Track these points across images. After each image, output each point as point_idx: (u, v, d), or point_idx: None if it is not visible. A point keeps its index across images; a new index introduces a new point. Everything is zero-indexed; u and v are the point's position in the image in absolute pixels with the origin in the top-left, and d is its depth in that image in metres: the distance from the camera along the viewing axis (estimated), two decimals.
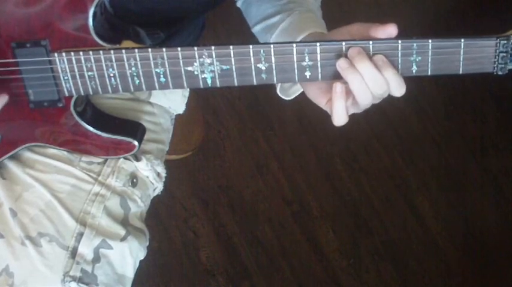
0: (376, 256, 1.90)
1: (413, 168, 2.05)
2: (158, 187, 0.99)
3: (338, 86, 0.76)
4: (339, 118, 0.78)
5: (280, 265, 1.80)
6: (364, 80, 0.75)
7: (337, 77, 0.77)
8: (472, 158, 2.13)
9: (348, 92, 0.77)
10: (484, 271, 1.98)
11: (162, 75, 0.79)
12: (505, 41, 0.73)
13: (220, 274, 1.74)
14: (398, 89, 0.76)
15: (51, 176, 0.89)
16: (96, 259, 0.87)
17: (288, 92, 0.91)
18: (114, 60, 0.78)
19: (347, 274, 1.85)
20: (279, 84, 0.89)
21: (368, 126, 2.04)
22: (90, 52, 0.78)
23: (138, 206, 0.94)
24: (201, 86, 0.79)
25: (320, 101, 0.82)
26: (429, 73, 0.76)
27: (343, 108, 0.77)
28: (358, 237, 1.91)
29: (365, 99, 0.76)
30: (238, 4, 1.03)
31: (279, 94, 0.91)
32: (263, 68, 0.77)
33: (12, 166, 0.90)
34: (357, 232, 1.91)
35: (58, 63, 0.79)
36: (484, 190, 2.09)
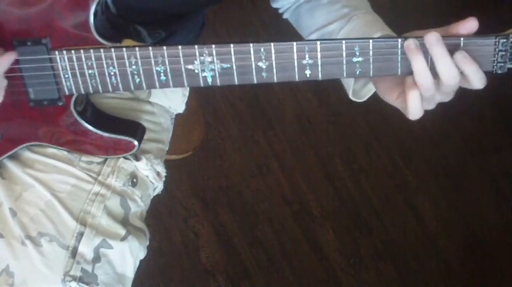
0: (376, 256, 1.90)
1: (413, 168, 2.05)
2: (158, 186, 0.99)
3: (410, 77, 0.74)
4: (414, 110, 0.76)
5: (280, 265, 1.80)
6: (437, 67, 0.73)
7: (338, 76, 0.77)
8: (471, 158, 2.13)
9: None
10: (484, 271, 1.98)
11: (162, 74, 0.79)
12: (504, 40, 0.73)
13: (220, 274, 1.74)
14: (481, 81, 0.75)
15: (51, 176, 0.89)
16: (97, 258, 0.87)
17: (359, 95, 0.89)
18: (114, 59, 0.78)
19: (347, 274, 1.85)
20: (351, 88, 0.87)
21: (368, 126, 2.04)
22: (91, 50, 0.78)
23: (138, 205, 0.94)
24: (202, 84, 0.79)
25: (390, 96, 0.81)
26: None
27: (418, 98, 0.75)
28: (358, 237, 1.91)
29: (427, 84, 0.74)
30: (286, 16, 1.01)
31: (352, 98, 0.89)
32: (263, 66, 0.77)
33: (12, 166, 0.90)
34: (357, 232, 1.91)
35: (59, 61, 0.79)
36: (484, 190, 2.09)
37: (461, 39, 0.74)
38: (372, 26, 0.87)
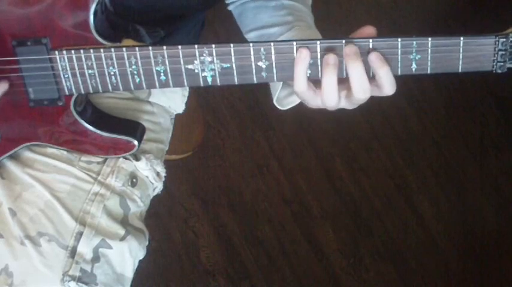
0: (376, 256, 1.90)
1: (413, 168, 2.05)
2: (158, 186, 0.99)
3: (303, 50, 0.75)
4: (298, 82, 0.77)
5: (280, 265, 1.80)
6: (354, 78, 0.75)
7: (337, 75, 0.77)
8: (472, 158, 2.13)
9: (344, 82, 0.77)
10: (484, 271, 1.98)
11: (162, 74, 0.79)
12: (504, 39, 0.73)
13: (220, 274, 1.74)
14: (391, 88, 0.76)
15: (50, 176, 0.89)
16: (96, 258, 0.87)
17: (283, 103, 0.90)
18: (114, 58, 0.78)
19: (347, 274, 1.85)
20: (276, 94, 0.88)
21: (368, 126, 2.04)
22: (91, 50, 0.78)
23: (138, 206, 0.94)
24: (202, 84, 0.79)
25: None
26: (429, 71, 0.76)
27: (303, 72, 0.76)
28: (358, 237, 1.91)
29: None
30: (230, 8, 1.02)
31: (275, 104, 0.90)
32: (263, 66, 0.77)
33: (12, 166, 0.90)
34: (357, 232, 1.91)
35: (58, 61, 0.79)
36: (483, 190, 2.10)
37: (461, 38, 0.74)
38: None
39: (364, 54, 0.75)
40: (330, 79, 0.75)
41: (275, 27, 0.93)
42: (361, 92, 0.76)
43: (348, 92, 0.77)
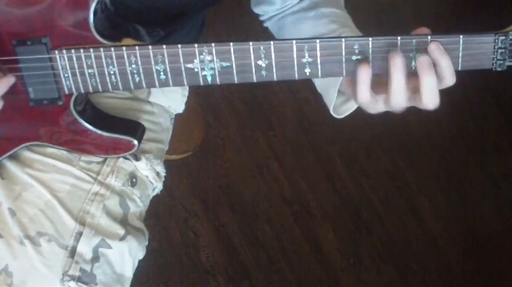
0: (376, 256, 1.90)
1: (413, 168, 2.05)
2: (157, 186, 0.99)
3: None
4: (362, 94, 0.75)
5: (280, 265, 1.80)
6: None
7: (337, 74, 0.77)
8: (472, 158, 2.13)
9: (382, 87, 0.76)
10: (484, 271, 1.98)
11: (162, 73, 0.78)
12: (504, 37, 0.73)
13: (220, 274, 1.74)
14: (452, 78, 0.75)
15: (50, 176, 0.89)
16: (95, 258, 0.87)
17: (339, 110, 0.88)
18: (114, 58, 0.78)
19: (347, 274, 1.85)
20: (332, 104, 0.86)
21: (368, 126, 2.04)
22: (91, 49, 0.78)
23: (138, 206, 0.94)
24: (201, 83, 0.79)
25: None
26: None
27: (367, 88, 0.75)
28: (358, 237, 1.91)
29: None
30: (267, 24, 1.00)
31: (333, 114, 0.88)
32: (263, 65, 0.77)
33: (11, 166, 0.90)
34: (357, 232, 1.91)
35: (58, 60, 0.79)
36: (484, 190, 2.10)
37: (461, 36, 0.73)
38: None
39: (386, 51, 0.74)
40: (397, 81, 0.74)
41: None
42: (430, 102, 0.75)
43: (414, 95, 0.75)
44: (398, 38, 0.74)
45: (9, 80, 0.79)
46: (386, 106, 0.78)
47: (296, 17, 0.95)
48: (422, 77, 0.73)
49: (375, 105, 0.78)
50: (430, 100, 0.75)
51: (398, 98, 0.75)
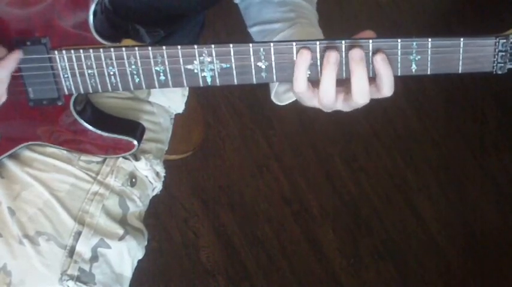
0: (376, 256, 1.90)
1: (413, 167, 2.05)
2: (157, 186, 0.99)
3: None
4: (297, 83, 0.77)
5: (280, 265, 1.80)
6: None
7: (337, 76, 0.77)
8: (472, 157, 2.13)
9: (343, 84, 0.77)
10: (484, 271, 1.98)
11: (162, 74, 0.79)
12: (504, 40, 0.73)
13: (220, 274, 1.74)
14: (390, 90, 0.76)
15: (50, 175, 0.89)
16: (94, 258, 0.87)
17: (281, 98, 0.90)
18: (114, 58, 0.78)
19: (347, 274, 1.85)
20: (274, 89, 0.88)
21: (368, 125, 2.04)
22: (91, 50, 0.78)
23: (137, 205, 0.94)
24: (201, 84, 0.79)
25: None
26: (429, 72, 0.76)
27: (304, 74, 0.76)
28: (358, 237, 1.91)
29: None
30: (237, 1, 1.02)
31: (273, 99, 0.90)
32: (263, 66, 0.77)
33: (11, 165, 0.90)
34: (357, 232, 1.91)
35: (58, 61, 0.79)
36: (484, 190, 2.10)
37: (461, 39, 0.73)
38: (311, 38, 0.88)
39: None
40: (329, 77, 0.75)
41: (277, 23, 0.92)
42: (360, 96, 0.75)
43: (347, 95, 0.77)
44: (399, 40, 0.74)
45: (15, 57, 0.77)
46: (319, 102, 0.78)
47: None
48: (353, 70, 0.74)
49: (311, 99, 0.79)
50: (359, 97, 0.75)
51: (327, 96, 0.76)
